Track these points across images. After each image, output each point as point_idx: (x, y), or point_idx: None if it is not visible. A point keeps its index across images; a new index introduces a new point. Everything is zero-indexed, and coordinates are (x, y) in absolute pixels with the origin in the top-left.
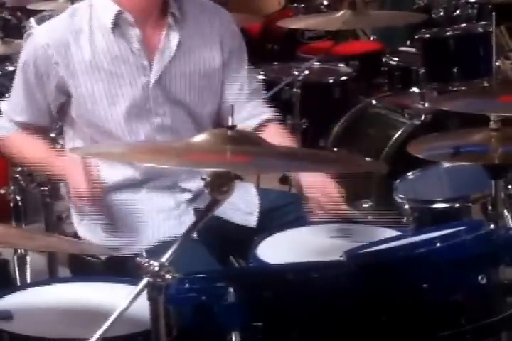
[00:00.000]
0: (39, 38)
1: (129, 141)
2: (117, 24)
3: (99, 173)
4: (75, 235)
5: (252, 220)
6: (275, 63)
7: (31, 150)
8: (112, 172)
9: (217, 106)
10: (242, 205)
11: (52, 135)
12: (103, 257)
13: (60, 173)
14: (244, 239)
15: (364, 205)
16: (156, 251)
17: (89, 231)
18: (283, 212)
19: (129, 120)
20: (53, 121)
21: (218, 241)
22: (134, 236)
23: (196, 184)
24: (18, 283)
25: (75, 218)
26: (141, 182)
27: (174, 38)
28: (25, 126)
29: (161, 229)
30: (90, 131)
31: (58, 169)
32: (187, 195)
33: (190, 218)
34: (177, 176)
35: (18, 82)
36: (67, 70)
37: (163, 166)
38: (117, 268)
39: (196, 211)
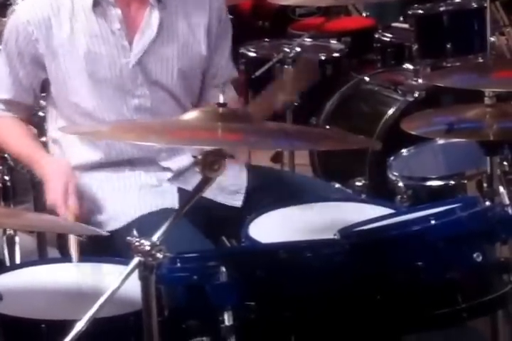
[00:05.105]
0: (20, 14)
1: (117, 120)
2: (98, 3)
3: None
4: None
5: (237, 199)
6: (266, 40)
7: (15, 141)
8: (91, 152)
9: (198, 90)
10: (228, 184)
11: (41, 114)
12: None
13: (40, 176)
14: (232, 218)
15: (357, 183)
16: (141, 223)
17: None
18: (271, 189)
19: (107, 100)
20: (37, 99)
21: (205, 220)
22: (117, 211)
23: (176, 163)
24: (8, 264)
25: None
26: (120, 161)
27: (155, 17)
28: (10, 104)
29: (143, 203)
30: (69, 112)
31: (39, 172)
32: (169, 174)
33: (173, 195)
34: (157, 154)
35: (1, 59)
36: (47, 47)
37: (153, 144)
38: (103, 245)
39: (180, 190)
